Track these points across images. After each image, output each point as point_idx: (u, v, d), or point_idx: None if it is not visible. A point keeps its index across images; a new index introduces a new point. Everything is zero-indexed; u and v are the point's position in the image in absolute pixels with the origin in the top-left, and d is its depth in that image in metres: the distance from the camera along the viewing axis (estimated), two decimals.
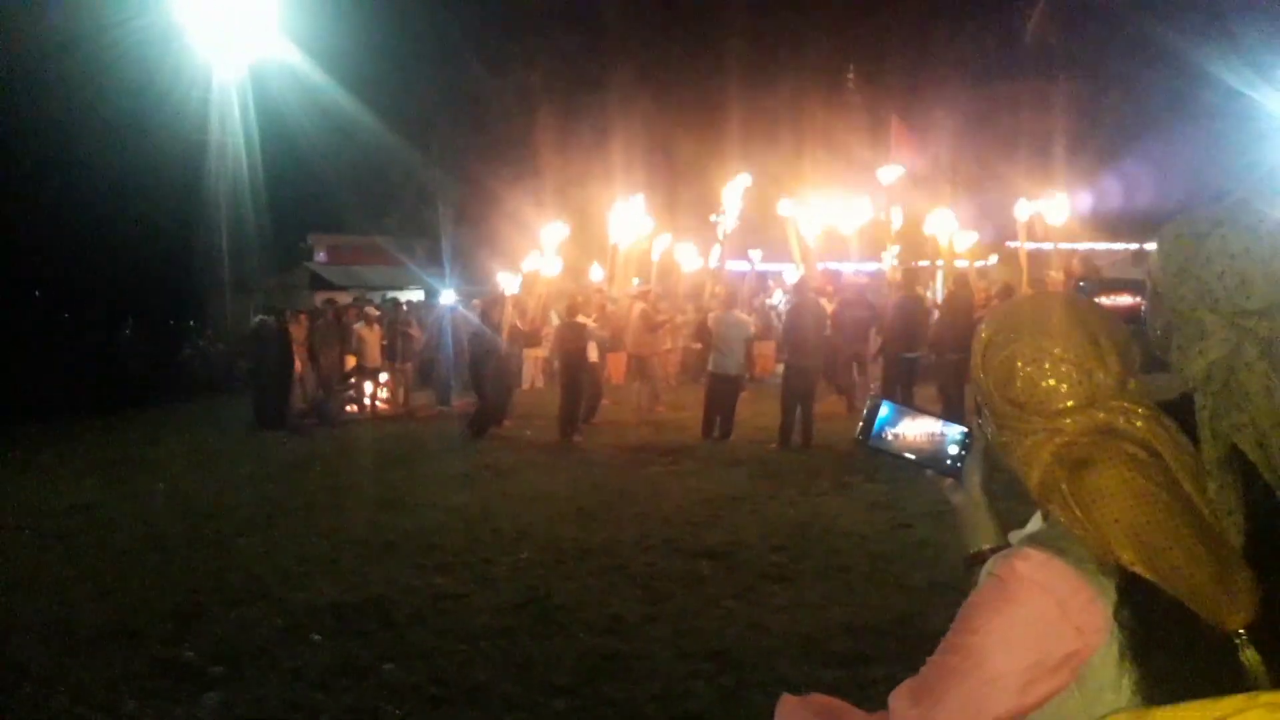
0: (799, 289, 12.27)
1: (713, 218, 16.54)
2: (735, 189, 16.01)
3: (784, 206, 15.84)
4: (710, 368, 11.48)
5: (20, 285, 27.64)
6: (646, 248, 16.26)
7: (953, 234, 15.53)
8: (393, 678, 4.73)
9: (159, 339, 16.98)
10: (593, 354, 12.89)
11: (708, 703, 4.37)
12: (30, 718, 4.40)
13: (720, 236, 16.23)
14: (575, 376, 12.08)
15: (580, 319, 12.52)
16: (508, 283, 13.96)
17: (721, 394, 11.41)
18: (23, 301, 27.64)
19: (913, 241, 17.05)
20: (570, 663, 4.85)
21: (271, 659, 4.99)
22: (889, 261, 16.10)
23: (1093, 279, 15.45)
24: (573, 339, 12.18)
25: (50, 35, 21.55)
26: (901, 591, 5.72)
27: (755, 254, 19.48)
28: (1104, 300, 12.23)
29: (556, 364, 13.35)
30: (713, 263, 17.36)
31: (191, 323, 21.71)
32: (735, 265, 18.76)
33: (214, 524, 7.97)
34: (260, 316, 14.81)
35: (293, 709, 4.41)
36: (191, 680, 4.77)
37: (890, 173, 16.37)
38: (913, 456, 1.44)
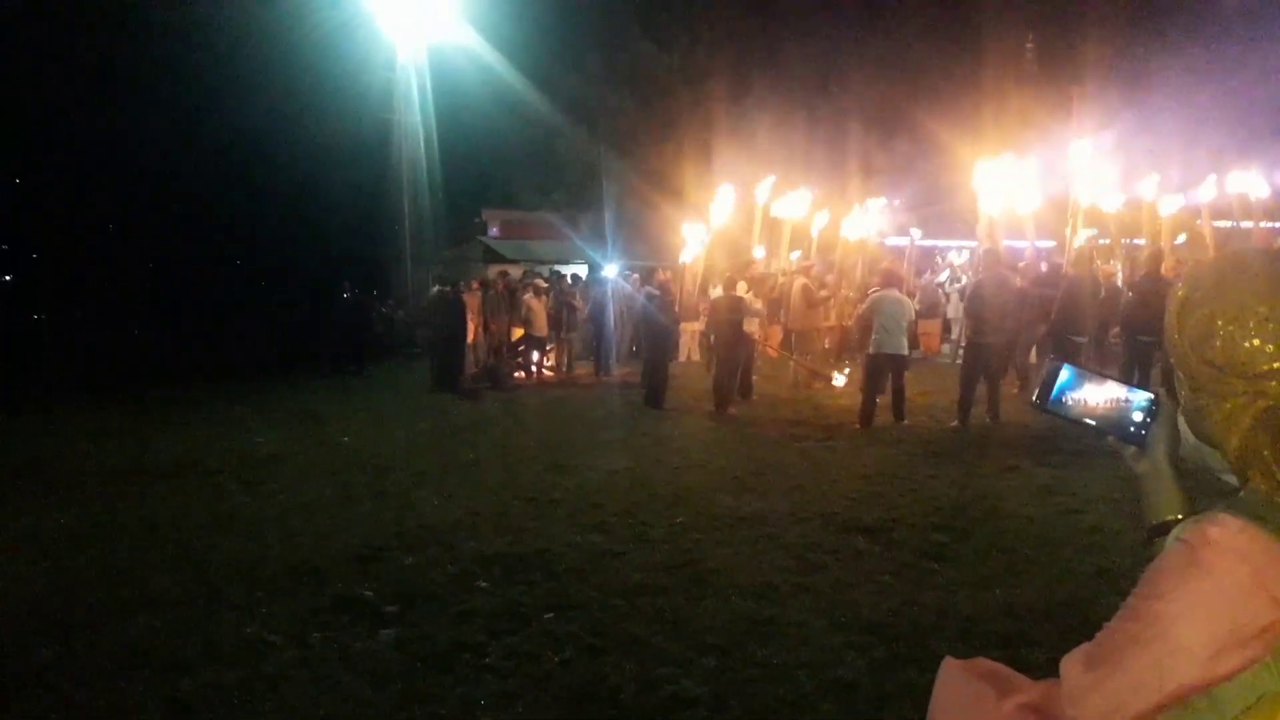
0: (989, 263, 11.76)
1: (880, 205, 16.06)
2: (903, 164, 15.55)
3: (975, 177, 15.23)
4: (871, 349, 11.07)
5: (224, 259, 30.05)
6: (806, 223, 16.02)
7: (1153, 204, 14.53)
8: (553, 626, 4.95)
9: (354, 308, 18.14)
10: (751, 327, 12.81)
11: (859, 673, 4.35)
12: (226, 642, 4.84)
13: (886, 210, 15.80)
14: (732, 349, 12.08)
15: (739, 292, 12.47)
16: (683, 255, 14.14)
17: (885, 374, 11.06)
18: (226, 273, 30.04)
19: (1096, 219, 16.11)
20: (722, 624, 4.93)
21: (442, 602, 5.31)
22: (1081, 239, 15.24)
23: None
24: (729, 311, 12.16)
25: (252, 25, 23.20)
26: (1068, 576, 5.49)
27: (915, 231, 18.85)
28: None
29: (713, 337, 13.37)
30: (877, 238, 16.95)
31: (374, 292, 22.99)
32: (895, 241, 18.26)
33: (392, 476, 8.51)
34: (438, 287, 15.56)
35: (459, 648, 4.68)
36: (369, 617, 5.13)
37: (1081, 149, 15.42)
38: (1094, 422, 1.38)
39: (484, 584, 5.59)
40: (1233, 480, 1.23)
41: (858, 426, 10.59)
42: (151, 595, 5.54)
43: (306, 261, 27.14)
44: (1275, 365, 1.17)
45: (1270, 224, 15.82)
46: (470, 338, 15.06)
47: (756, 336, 13.08)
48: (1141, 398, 1.36)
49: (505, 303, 15.45)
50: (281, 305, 24.46)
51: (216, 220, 28.05)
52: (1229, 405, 1.20)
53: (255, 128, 24.86)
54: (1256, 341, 1.17)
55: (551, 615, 5.08)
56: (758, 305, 13.12)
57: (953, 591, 5.35)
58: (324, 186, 26.51)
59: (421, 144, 24.37)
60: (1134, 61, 23.23)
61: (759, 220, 15.88)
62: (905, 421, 10.83)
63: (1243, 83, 22.35)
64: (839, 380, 12.66)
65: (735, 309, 12.18)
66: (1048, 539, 6.27)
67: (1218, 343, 1.20)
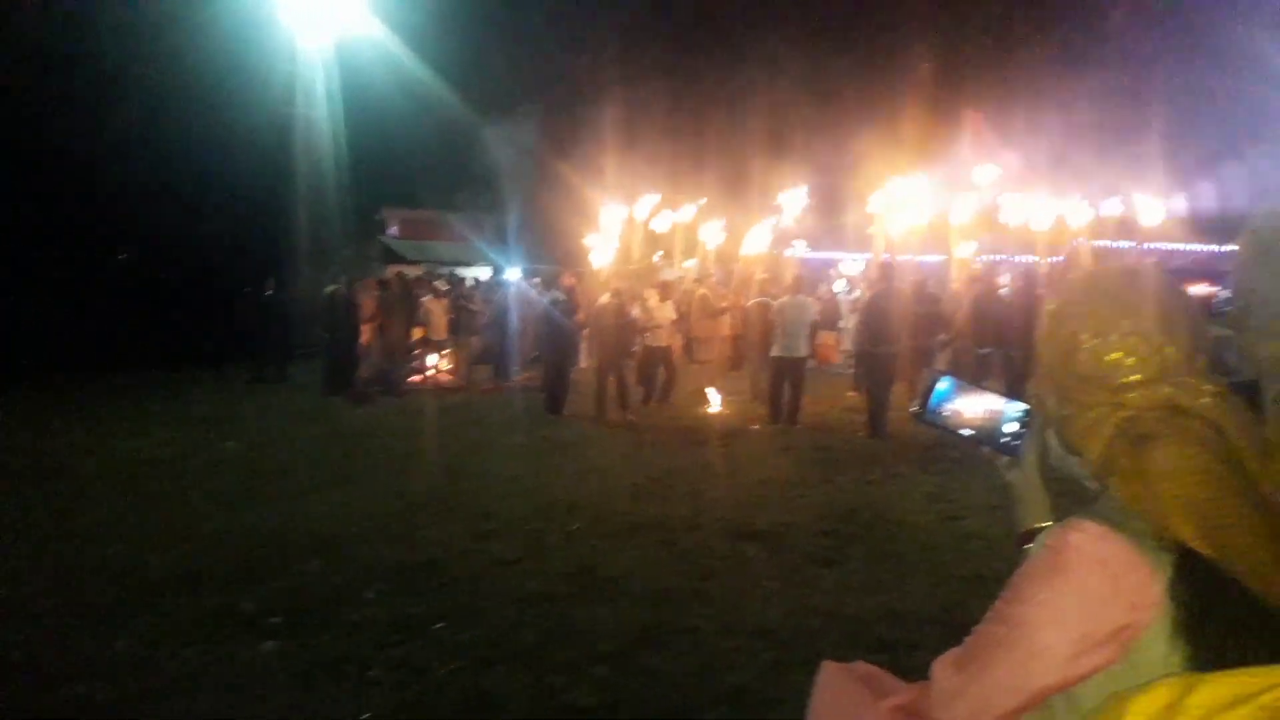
0: (884, 275, 12.14)
1: (773, 221, 16.38)
2: (795, 194, 15.95)
3: (870, 195, 15.72)
4: (776, 352, 11.43)
5: (109, 249, 28.69)
6: (697, 233, 16.27)
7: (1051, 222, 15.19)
8: (443, 636, 4.87)
9: (240, 304, 17.39)
10: (665, 339, 12.87)
11: (748, 677, 4.42)
12: (97, 656, 4.62)
13: (777, 225, 16.14)
14: (613, 355, 12.07)
15: (651, 301, 12.55)
16: (590, 260, 14.14)
17: (789, 378, 11.40)
18: (111, 264, 28.69)
19: (992, 234, 16.79)
20: (615, 631, 4.93)
21: (328, 613, 5.17)
22: (964, 255, 15.84)
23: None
24: (615, 316, 12.14)
25: (145, 8, 22.29)
26: (948, 581, 5.69)
27: (800, 243, 19.30)
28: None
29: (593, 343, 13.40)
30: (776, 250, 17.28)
31: (269, 291, 22.31)
32: (788, 254, 18.66)
33: (278, 483, 8.26)
34: (332, 286, 15.18)
35: (346, 660, 4.57)
36: (250, 629, 4.96)
37: (985, 171, 16.06)
38: (969, 433, 1.41)
39: (372, 594, 5.47)
40: (1095, 488, 1.28)
41: (756, 428, 10.72)
42: (16, 605, 5.25)
43: (200, 257, 26.16)
44: (1135, 378, 1.22)
45: (1154, 245, 16.73)
46: (365, 340, 14.72)
47: (669, 344, 13.03)
48: (1014, 409, 1.40)
49: (402, 304, 15.15)
50: (170, 302, 23.46)
51: (101, 211, 26.80)
52: (1092, 415, 1.24)
53: (148, 119, 23.88)
54: (1118, 354, 1.23)
55: (442, 625, 5.00)
56: (667, 313, 13.13)
57: (839, 596, 5.49)
58: (219, 182, 25.63)
59: (328, 139, 23.79)
60: (1029, 83, 24.21)
61: (641, 232, 16.03)
62: (800, 426, 11.11)
63: (1138, 107, 23.56)
64: (715, 401, 12.64)
65: (621, 314, 12.19)
66: (929, 544, 6.49)
67: (1083, 356, 1.25)
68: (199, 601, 5.33)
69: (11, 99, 22.38)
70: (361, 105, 24.97)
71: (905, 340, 11.41)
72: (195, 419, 11.64)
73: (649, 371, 12.89)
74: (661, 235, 16.26)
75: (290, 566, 5.95)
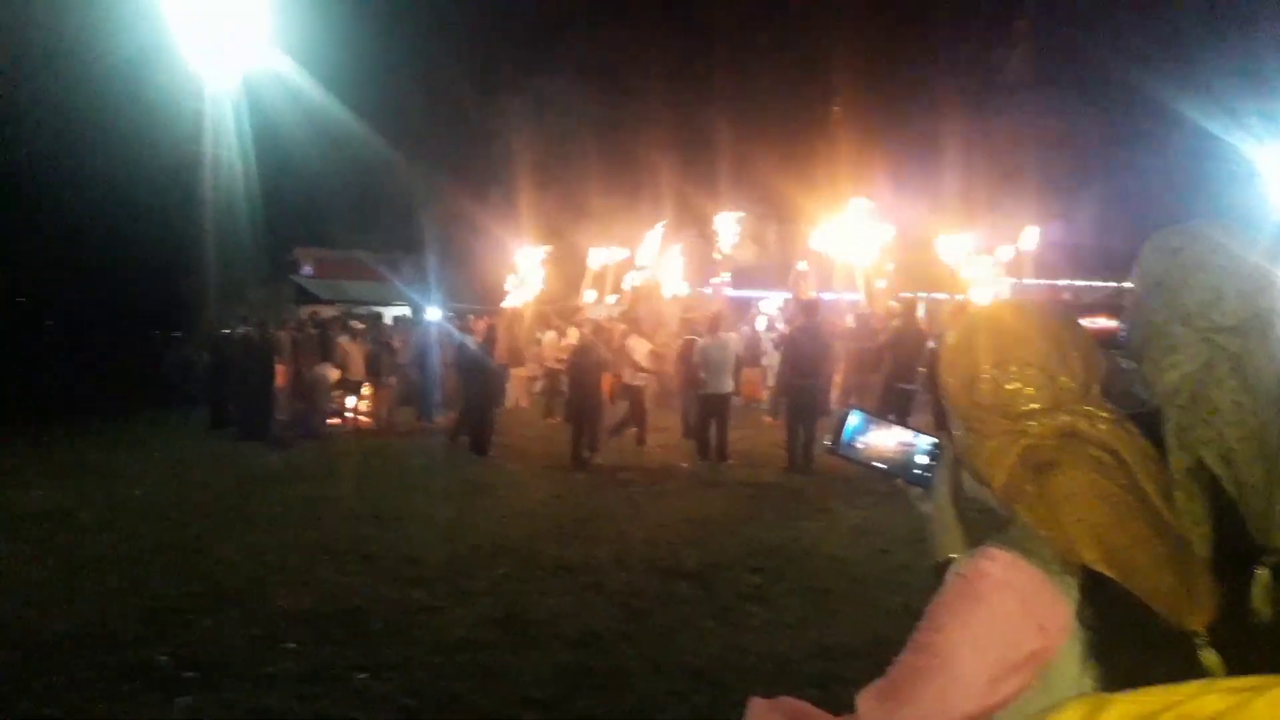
0: (807, 311, 12.35)
1: (717, 253, 16.58)
2: (728, 222, 16.19)
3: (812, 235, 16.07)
4: (703, 390, 11.52)
5: (6, 291, 27.47)
6: (620, 273, 16.37)
7: (960, 262, 15.70)
8: (366, 687, 4.70)
9: (142, 347, 16.75)
10: (630, 376, 12.75)
11: (682, 719, 4.37)
12: None
13: (715, 259, 16.35)
14: (594, 399, 11.84)
15: (572, 339, 12.46)
16: (507, 299, 14.03)
17: (715, 414, 11.44)
18: (7, 307, 27.45)
19: (905, 271, 17.24)
20: (545, 677, 4.84)
21: (244, 665, 4.95)
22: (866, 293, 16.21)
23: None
24: (590, 356, 11.89)
25: (42, 45, 21.57)
26: (877, 614, 5.74)
27: (724, 277, 19.52)
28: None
29: (567, 385, 13.03)
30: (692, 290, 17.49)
31: (176, 333, 21.58)
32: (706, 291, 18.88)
33: (191, 531, 7.91)
34: (243, 328, 14.76)
35: (263, 715, 4.38)
36: (162, 685, 4.72)
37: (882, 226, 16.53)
38: (882, 465, 1.44)
39: (291, 645, 5.25)
40: (1005, 515, 1.30)
41: (685, 465, 10.80)
42: None
43: (93, 300, 25.24)
44: (1034, 406, 1.26)
45: (1063, 282, 17.43)
46: (280, 381, 14.31)
47: (641, 384, 12.84)
48: (925, 441, 1.43)
49: (318, 345, 14.80)
50: (50, 345, 22.48)
51: (2, 255, 25.69)
52: (993, 444, 1.28)
53: (46, 157, 23.04)
54: (1017, 384, 1.27)
55: (365, 676, 4.83)
56: (642, 352, 12.86)
57: (771, 634, 5.49)
58: (124, 223, 24.80)
59: (238, 178, 23.23)
60: (933, 124, 25.13)
61: (561, 270, 16.08)
62: (730, 462, 11.16)
63: (1043, 146, 24.59)
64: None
65: (595, 354, 11.94)
66: (858, 578, 6.55)
67: (983, 386, 1.29)
68: (107, 658, 5.05)
69: None
70: (272, 143, 24.50)
71: (828, 375, 11.62)
72: (98, 468, 11.10)
73: (637, 410, 12.62)
74: (582, 273, 16.29)
75: (205, 618, 5.69)
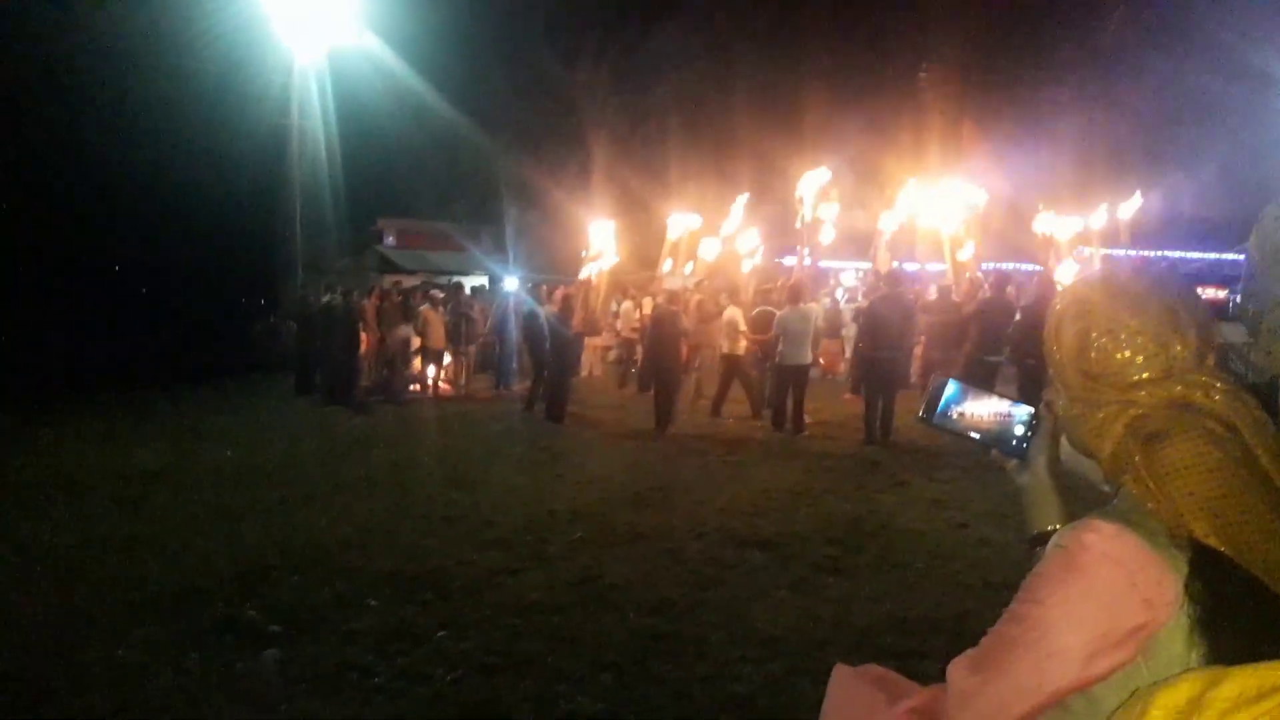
0: (889, 281, 12.13)
1: (797, 221, 16.33)
2: (811, 184, 15.90)
3: (892, 208, 15.80)
4: (779, 360, 11.38)
5: (105, 260, 28.71)
6: (696, 242, 16.25)
7: (1054, 231, 15.27)
8: (445, 645, 4.81)
9: (233, 314, 17.34)
10: (731, 347, 12.50)
11: (755, 687, 4.37)
12: (96, 667, 4.56)
13: (799, 227, 16.09)
14: (673, 367, 11.79)
15: (647, 308, 12.44)
16: (584, 270, 14.09)
17: (792, 385, 11.33)
18: (106, 276, 28.70)
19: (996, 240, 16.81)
20: (620, 640, 4.88)
21: (329, 622, 5.12)
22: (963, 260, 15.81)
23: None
24: (670, 325, 11.81)
25: (144, 24, 22.34)
26: (957, 589, 5.64)
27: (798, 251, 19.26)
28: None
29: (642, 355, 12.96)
30: (782, 259, 17.28)
31: (263, 301, 22.30)
32: (788, 261, 18.64)
33: (279, 492, 8.18)
34: (328, 296, 15.14)
35: (346, 669, 4.51)
36: (252, 638, 4.91)
37: (971, 190, 16.10)
38: (977, 435, 1.41)
39: (373, 603, 5.41)
40: (1107, 490, 1.27)
41: (760, 436, 10.71)
42: (13, 619, 5.19)
43: (195, 271, 26.19)
44: (1144, 375, 1.23)
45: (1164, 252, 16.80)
46: (364, 349, 14.67)
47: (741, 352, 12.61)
48: (1023, 412, 1.40)
49: (400, 313, 15.11)
50: (165, 315, 23.43)
51: (102, 225, 26.82)
52: (1102, 414, 1.24)
53: (146, 133, 23.93)
54: (1127, 353, 1.24)
55: (444, 634, 4.94)
56: (741, 322, 12.74)
57: (847, 605, 5.43)
58: (217, 192, 25.64)
59: (323, 150, 23.77)
60: (1028, 91, 24.37)
61: (667, 246, 16.05)
62: (806, 433, 11.06)
63: (1140, 116, 23.68)
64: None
65: (675, 323, 11.86)
66: (937, 552, 6.44)
67: (1092, 354, 1.26)
68: (199, 611, 5.27)
69: (13, 111, 22.42)
70: (357, 116, 25.03)
71: (909, 347, 11.38)
72: (190, 431, 11.56)
73: (742, 378, 12.55)
74: (661, 243, 16.24)
75: (290, 576, 5.89)
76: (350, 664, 4.57)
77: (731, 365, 12.45)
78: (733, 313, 12.57)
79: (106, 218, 26.90)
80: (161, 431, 11.53)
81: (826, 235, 16.98)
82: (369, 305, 15.29)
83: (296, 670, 4.52)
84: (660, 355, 11.86)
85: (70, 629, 5.04)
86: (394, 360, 14.73)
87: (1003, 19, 26.61)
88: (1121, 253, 16.01)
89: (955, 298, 13.57)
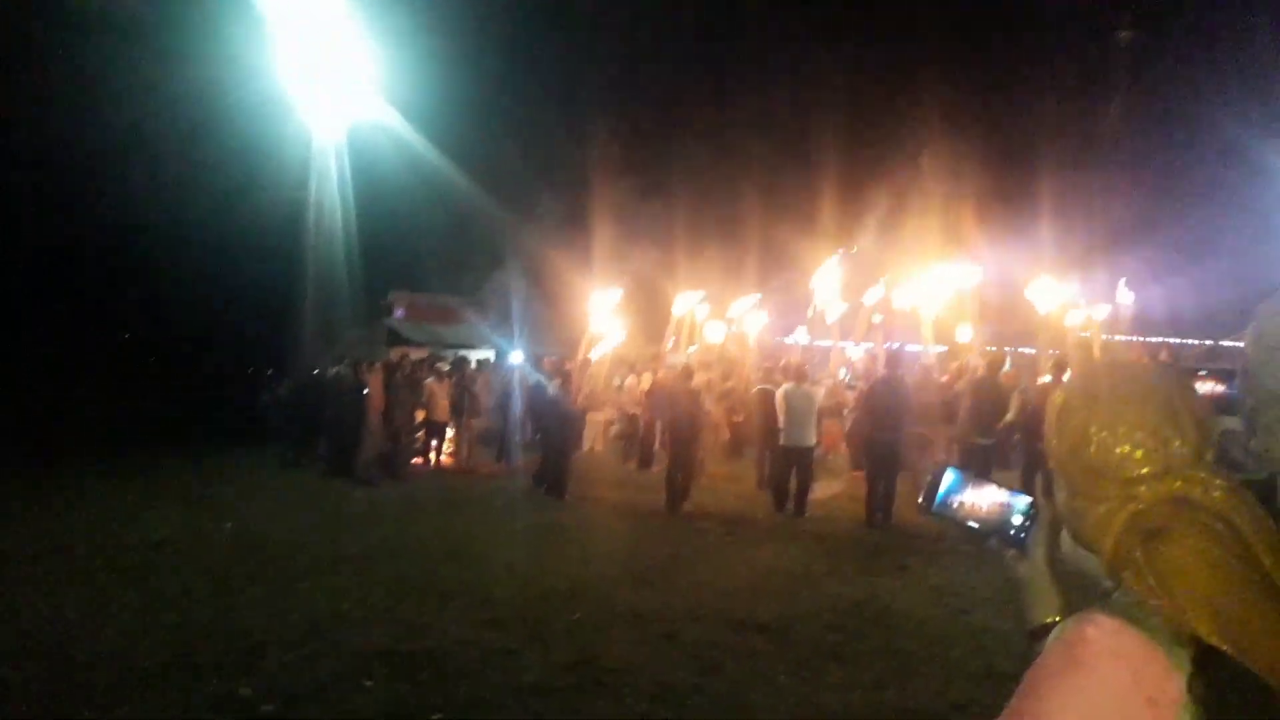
0: (889, 363, 12.23)
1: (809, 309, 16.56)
2: (827, 272, 16.18)
3: (874, 291, 15.99)
4: (782, 441, 11.35)
5: (114, 327, 28.92)
6: (701, 321, 16.45)
7: (1052, 315, 15.43)
8: None
9: (243, 384, 17.44)
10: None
11: None
12: None
13: (810, 314, 16.31)
14: (689, 443, 11.74)
15: (644, 384, 12.51)
16: (589, 346, 14.25)
17: (796, 468, 11.27)
18: (115, 342, 28.88)
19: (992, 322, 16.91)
20: None
21: (324, 701, 5.07)
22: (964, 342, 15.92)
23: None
24: (688, 400, 11.83)
25: (164, 100, 22.92)
26: (959, 677, 5.58)
27: (801, 329, 19.46)
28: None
29: (665, 428, 13.00)
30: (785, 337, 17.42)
31: (270, 371, 22.42)
32: (789, 340, 18.81)
33: (278, 566, 8.15)
34: (336, 368, 15.23)
35: None
36: (245, 716, 4.86)
37: (969, 272, 16.30)
38: (976, 525, 1.42)
39: (369, 682, 5.35)
40: (1109, 585, 1.25)
41: (760, 516, 10.65)
42: (8, 686, 5.14)
43: (207, 339, 26.40)
44: (1144, 470, 1.22)
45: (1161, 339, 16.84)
46: (370, 421, 14.69)
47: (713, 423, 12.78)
48: (1021, 502, 1.41)
49: (406, 386, 15.18)
50: (173, 382, 23.54)
51: (114, 292, 27.12)
52: (1102, 509, 1.24)
53: (162, 201, 24.36)
54: (1127, 448, 1.23)
55: (439, 716, 4.88)
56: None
57: (847, 693, 5.37)
58: (230, 263, 25.98)
59: (337, 222, 24.14)
60: (1031, 177, 24.77)
61: (673, 324, 16.24)
62: (807, 515, 11.01)
63: (1139, 203, 23.99)
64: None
65: (694, 399, 11.85)
66: (938, 639, 6.37)
67: (1092, 448, 1.26)
68: (195, 687, 5.22)
69: (31, 178, 22.82)
70: (372, 189, 25.41)
71: (909, 428, 11.36)
72: (193, 500, 11.54)
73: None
74: (665, 321, 16.46)
75: (287, 653, 5.84)
76: None
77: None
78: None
79: (118, 284, 27.21)
80: (165, 500, 11.50)
81: (831, 314, 17.14)
82: (376, 377, 15.37)
83: None
84: (679, 433, 11.82)
85: (61, 701, 4.99)
86: (399, 433, 14.74)
87: (1003, 105, 27.23)
88: (1122, 339, 16.09)
89: (941, 376, 13.67)
